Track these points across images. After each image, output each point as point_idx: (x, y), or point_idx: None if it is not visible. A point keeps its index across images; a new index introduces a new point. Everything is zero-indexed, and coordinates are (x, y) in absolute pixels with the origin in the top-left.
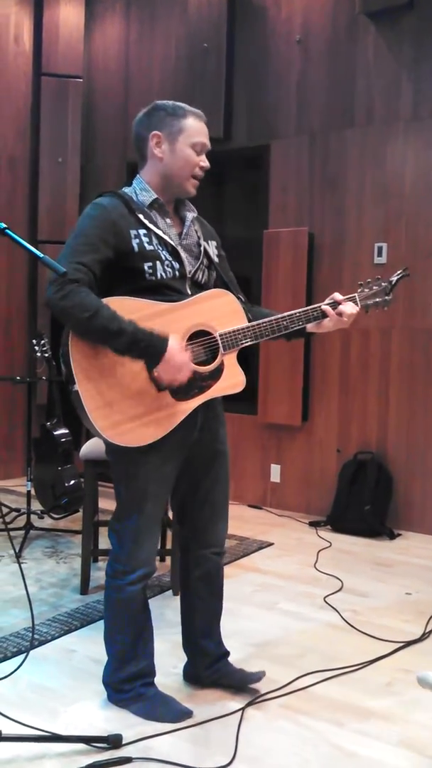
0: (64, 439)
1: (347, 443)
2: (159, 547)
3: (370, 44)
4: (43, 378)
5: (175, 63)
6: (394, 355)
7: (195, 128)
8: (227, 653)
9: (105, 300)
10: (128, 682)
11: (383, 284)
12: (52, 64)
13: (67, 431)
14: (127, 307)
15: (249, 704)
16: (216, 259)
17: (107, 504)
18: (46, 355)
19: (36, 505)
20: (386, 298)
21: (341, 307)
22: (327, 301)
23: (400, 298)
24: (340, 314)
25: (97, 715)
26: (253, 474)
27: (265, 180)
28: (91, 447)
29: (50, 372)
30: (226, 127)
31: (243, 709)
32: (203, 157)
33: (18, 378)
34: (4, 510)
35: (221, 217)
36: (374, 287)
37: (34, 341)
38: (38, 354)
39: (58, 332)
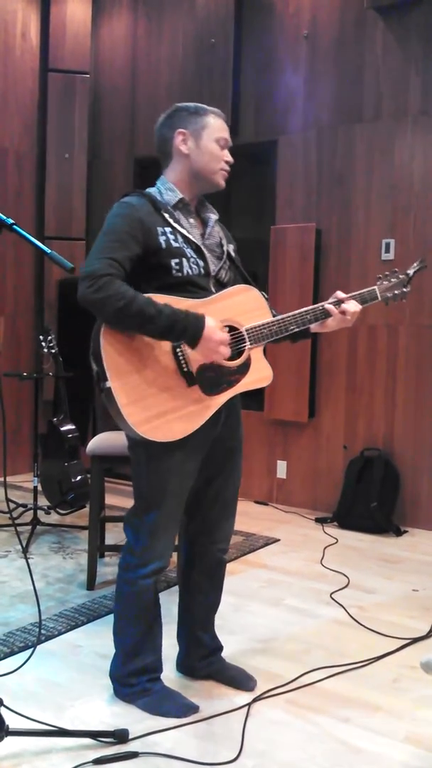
0: (70, 435)
1: (354, 440)
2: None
3: (378, 39)
4: (50, 374)
5: (182, 58)
6: (402, 352)
7: (217, 125)
8: (221, 647)
9: None
10: (135, 676)
11: (401, 276)
12: (59, 60)
13: (73, 427)
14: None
15: (255, 700)
16: (237, 259)
17: (114, 500)
18: (53, 350)
19: (43, 501)
20: (404, 290)
21: (344, 306)
22: (330, 300)
23: (408, 294)
24: (343, 313)
25: (104, 710)
26: (260, 470)
27: (273, 175)
28: (98, 443)
29: (57, 368)
30: (233, 123)
31: (249, 704)
32: (227, 151)
33: (25, 374)
34: (11, 505)
35: (228, 212)
36: (392, 279)
37: (41, 337)
38: (45, 350)
39: (64, 328)
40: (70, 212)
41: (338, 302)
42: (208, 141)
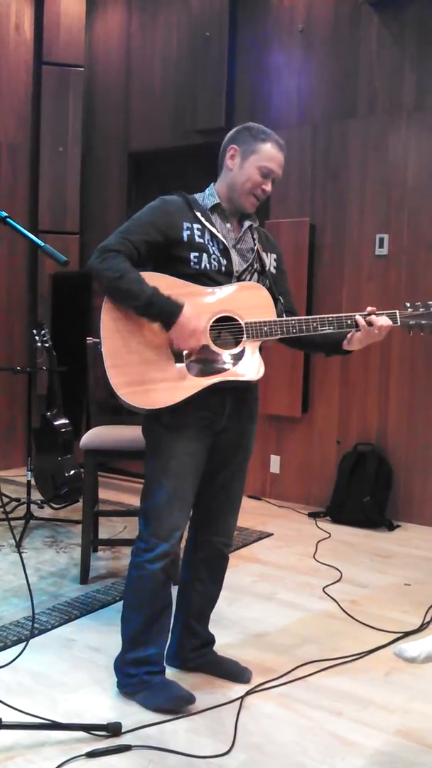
0: (64, 429)
1: (347, 434)
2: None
3: (373, 34)
4: (44, 368)
5: (176, 52)
6: (395, 347)
7: (269, 154)
8: (213, 640)
9: (144, 273)
10: (134, 666)
11: (424, 310)
12: (53, 53)
13: (67, 421)
14: (162, 283)
15: (248, 693)
16: (272, 270)
17: (107, 494)
18: (47, 345)
19: (36, 495)
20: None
21: (372, 317)
22: (362, 313)
23: (401, 290)
24: (370, 325)
25: (97, 703)
26: (253, 465)
27: None
28: (92, 437)
29: (50, 362)
30: (227, 117)
31: (242, 697)
32: (268, 182)
33: (18, 368)
34: (5, 500)
35: None
36: (421, 309)
37: (34, 331)
38: (38, 344)
39: (58, 323)
40: (64, 206)
41: (368, 314)
42: (251, 165)
